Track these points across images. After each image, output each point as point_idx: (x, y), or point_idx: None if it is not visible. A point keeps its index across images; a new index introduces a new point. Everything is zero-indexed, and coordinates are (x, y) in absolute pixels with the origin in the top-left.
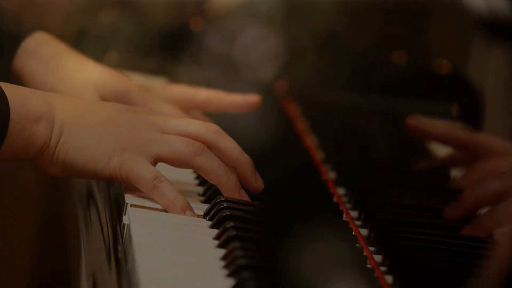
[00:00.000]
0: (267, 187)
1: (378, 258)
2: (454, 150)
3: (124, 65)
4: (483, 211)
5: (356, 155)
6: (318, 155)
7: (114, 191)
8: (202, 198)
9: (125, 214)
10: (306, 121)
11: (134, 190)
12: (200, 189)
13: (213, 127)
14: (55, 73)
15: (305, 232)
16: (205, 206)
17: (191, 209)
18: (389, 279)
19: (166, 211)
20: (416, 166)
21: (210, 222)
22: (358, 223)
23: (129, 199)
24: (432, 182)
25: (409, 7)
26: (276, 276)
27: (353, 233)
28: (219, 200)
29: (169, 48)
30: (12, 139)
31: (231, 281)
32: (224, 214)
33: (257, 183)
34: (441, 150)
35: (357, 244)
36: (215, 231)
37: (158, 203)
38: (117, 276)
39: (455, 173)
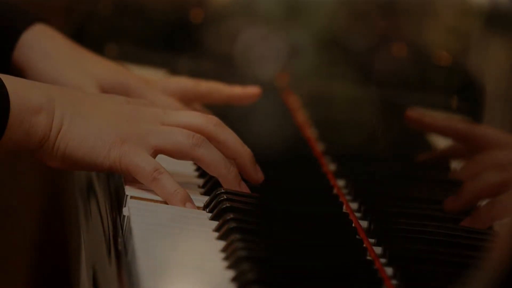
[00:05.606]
0: (267, 179)
1: (378, 250)
2: (454, 142)
3: (124, 57)
4: (483, 203)
5: (356, 147)
6: (318, 147)
7: (114, 183)
8: (202, 190)
9: (125, 206)
10: (306, 113)
11: (134, 182)
12: (200, 181)
13: (213, 119)
14: (55, 66)
15: (305, 224)
16: (205, 198)
17: (191, 201)
18: (389, 270)
19: (166, 203)
20: (416, 158)
21: (210, 214)
22: (358, 215)
23: (129, 191)
24: (432, 174)
25: None
26: (276, 267)
27: (353, 225)
28: (219, 192)
29: (169, 41)
30: (12, 131)
31: (231, 273)
32: (224, 206)
33: (257, 175)
34: (441, 142)
35: (357, 236)
36: (215, 223)
37: (158, 195)
38: (117, 267)
39: (455, 165)
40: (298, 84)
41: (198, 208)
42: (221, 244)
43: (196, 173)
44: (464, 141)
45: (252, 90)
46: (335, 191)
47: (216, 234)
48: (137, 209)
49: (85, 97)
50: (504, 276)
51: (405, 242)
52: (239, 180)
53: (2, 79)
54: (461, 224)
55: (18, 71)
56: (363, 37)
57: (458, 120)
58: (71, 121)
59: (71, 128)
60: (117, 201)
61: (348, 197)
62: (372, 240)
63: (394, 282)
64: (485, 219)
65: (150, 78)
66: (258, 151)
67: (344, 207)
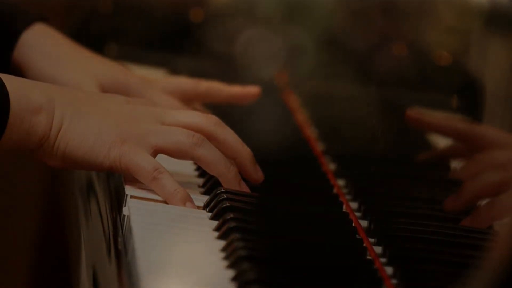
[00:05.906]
0: (267, 178)
1: (378, 249)
2: (454, 141)
3: (124, 57)
4: (483, 203)
5: (356, 146)
6: (318, 147)
7: (114, 182)
8: (202, 190)
9: (125, 206)
10: (306, 113)
11: (134, 181)
12: (200, 181)
13: (213, 118)
14: (55, 65)
15: (305, 223)
16: (205, 198)
17: (191, 201)
18: (389, 270)
19: (166, 203)
20: (416, 157)
21: (210, 214)
22: (358, 214)
23: (129, 190)
24: (432, 174)
25: None
26: (276, 267)
27: (353, 225)
28: (219, 191)
29: (169, 40)
30: (12, 130)
31: (231, 272)
32: (224, 205)
33: (257, 174)
34: (441, 142)
35: (357, 236)
36: (215, 223)
37: (158, 195)
38: (117, 267)
39: (455, 164)
40: (298, 84)
41: (198, 207)
42: (221, 243)
43: (196, 173)
44: (464, 140)
45: (252, 90)
46: (335, 190)
47: (216, 233)
48: (137, 209)
49: (85, 97)
50: (504, 276)
51: (405, 242)
52: (239, 179)
53: (2, 78)
54: (461, 224)
55: (18, 71)
56: (363, 37)
57: (458, 120)
58: (71, 121)
59: (71, 127)
60: (117, 201)
61: (348, 197)
62: (372, 240)
63: (394, 281)
64: (485, 219)
65: (150, 78)
66: (258, 151)
67: (344, 206)
